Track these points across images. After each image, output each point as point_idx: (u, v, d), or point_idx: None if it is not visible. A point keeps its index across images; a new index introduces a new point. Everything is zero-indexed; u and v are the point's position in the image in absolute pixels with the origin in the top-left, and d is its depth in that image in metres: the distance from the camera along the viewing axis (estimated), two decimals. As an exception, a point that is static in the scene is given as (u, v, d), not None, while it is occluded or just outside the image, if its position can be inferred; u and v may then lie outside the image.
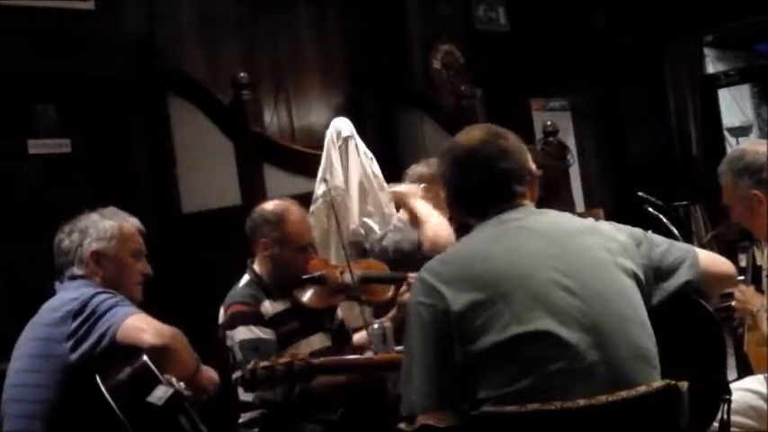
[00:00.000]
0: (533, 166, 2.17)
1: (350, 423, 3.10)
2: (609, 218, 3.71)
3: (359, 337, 3.48)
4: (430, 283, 1.95)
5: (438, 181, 3.86)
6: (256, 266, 3.38)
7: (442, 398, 1.89)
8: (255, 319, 3.22)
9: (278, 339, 3.25)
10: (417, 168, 4.10)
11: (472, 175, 2.10)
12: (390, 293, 3.58)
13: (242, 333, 3.18)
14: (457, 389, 1.88)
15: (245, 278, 3.39)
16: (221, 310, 3.31)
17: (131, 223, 2.81)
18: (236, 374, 3.07)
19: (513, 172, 2.10)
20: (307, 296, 3.37)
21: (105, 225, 2.74)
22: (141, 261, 2.81)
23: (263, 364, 2.25)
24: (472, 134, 2.15)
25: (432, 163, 4.00)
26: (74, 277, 2.69)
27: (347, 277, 3.43)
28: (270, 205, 3.42)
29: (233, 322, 3.22)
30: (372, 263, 3.79)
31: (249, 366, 2.26)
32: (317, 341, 3.38)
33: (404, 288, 3.49)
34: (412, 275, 3.58)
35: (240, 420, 3.31)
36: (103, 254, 2.71)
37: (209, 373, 2.75)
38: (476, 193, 2.10)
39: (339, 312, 3.54)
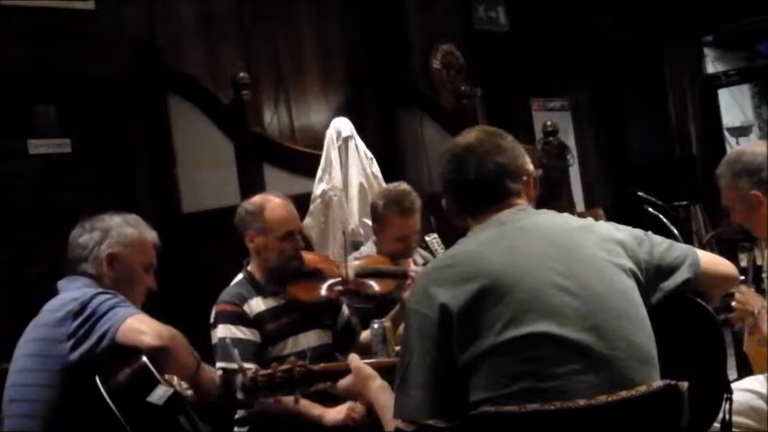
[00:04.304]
0: (531, 167, 2.17)
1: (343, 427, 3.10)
2: (609, 218, 3.72)
3: (365, 335, 3.47)
4: (427, 289, 1.94)
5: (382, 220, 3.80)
6: (250, 265, 3.41)
7: (436, 406, 1.88)
8: (236, 318, 3.24)
9: (269, 335, 3.27)
10: (377, 197, 3.93)
11: (467, 169, 2.10)
12: (389, 289, 3.57)
13: (221, 332, 3.22)
14: (452, 396, 1.88)
15: (239, 277, 3.42)
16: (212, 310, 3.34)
17: (150, 236, 2.81)
18: (217, 372, 3.09)
19: (506, 167, 2.10)
20: (301, 290, 3.38)
21: (127, 231, 2.74)
22: (149, 275, 2.81)
23: (263, 372, 2.25)
24: (470, 134, 2.18)
25: (383, 199, 3.81)
26: (81, 274, 2.69)
27: (344, 272, 3.44)
28: (251, 199, 3.46)
29: (215, 321, 3.28)
30: (375, 258, 3.78)
31: (250, 374, 2.26)
32: (315, 337, 3.38)
33: (407, 283, 3.49)
34: (412, 270, 3.58)
35: (236, 416, 3.33)
36: (118, 258, 2.71)
37: (210, 374, 2.75)
38: (470, 188, 2.11)
39: (345, 310, 3.53)
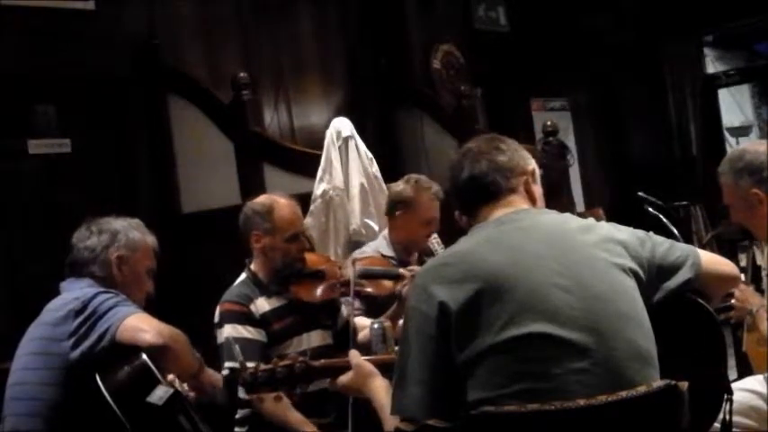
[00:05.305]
0: (532, 167, 2.18)
1: (344, 427, 3.10)
2: (609, 218, 3.71)
3: (364, 335, 3.47)
4: (426, 287, 1.94)
5: (412, 203, 3.85)
6: (253, 265, 3.41)
7: (434, 404, 1.88)
8: (243, 318, 3.24)
9: (274, 335, 3.27)
10: (398, 188, 3.95)
11: (462, 169, 2.13)
12: (390, 290, 3.58)
13: (227, 331, 3.22)
14: (450, 394, 1.88)
15: (242, 277, 3.42)
16: (216, 310, 3.33)
17: (151, 241, 2.85)
18: (224, 372, 3.09)
19: (500, 165, 2.12)
20: (304, 291, 3.38)
21: (135, 235, 2.78)
22: (150, 279, 2.84)
23: (264, 366, 2.25)
24: (471, 141, 2.21)
25: (411, 182, 3.89)
26: (87, 276, 2.69)
27: (347, 272, 3.44)
28: (258, 199, 3.46)
29: (221, 321, 3.27)
30: (376, 259, 3.80)
31: (250, 369, 2.25)
32: (318, 338, 3.39)
33: (405, 281, 3.50)
34: (411, 268, 3.59)
35: (237, 416, 3.33)
36: (127, 261, 2.75)
37: (212, 377, 2.76)
38: (464, 185, 2.13)
39: (343, 310, 3.54)
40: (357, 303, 3.56)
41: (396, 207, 3.89)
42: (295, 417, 3.13)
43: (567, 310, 1.89)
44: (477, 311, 1.88)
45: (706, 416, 2.15)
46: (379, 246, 3.95)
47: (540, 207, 2.17)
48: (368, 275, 3.59)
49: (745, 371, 3.25)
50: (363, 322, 3.50)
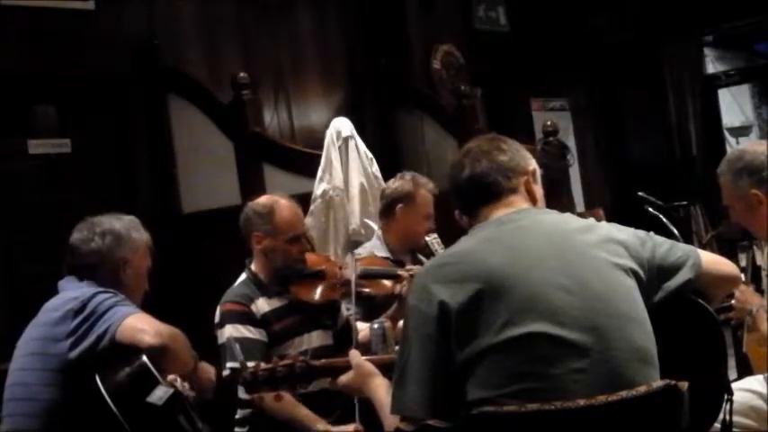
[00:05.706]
0: (533, 167, 2.18)
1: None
2: (609, 218, 3.71)
3: (364, 335, 3.47)
4: (426, 286, 1.95)
5: (413, 197, 3.87)
6: (253, 265, 3.41)
7: (434, 402, 1.89)
8: (244, 318, 3.24)
9: (274, 336, 3.27)
10: (395, 184, 3.95)
11: (462, 169, 2.14)
12: (391, 290, 3.58)
13: (228, 331, 3.21)
14: (450, 393, 1.88)
15: (242, 277, 3.42)
16: (217, 310, 3.33)
17: (148, 240, 2.85)
18: (225, 372, 3.09)
19: (501, 165, 2.12)
20: (305, 291, 3.38)
21: (136, 236, 2.78)
22: (146, 278, 2.84)
23: (264, 366, 2.25)
24: (472, 140, 2.21)
25: (408, 178, 3.92)
26: (88, 278, 2.69)
27: (347, 273, 3.44)
28: (260, 200, 3.46)
29: (222, 321, 3.27)
30: (375, 259, 3.80)
31: (250, 369, 2.26)
32: (318, 338, 3.40)
33: (403, 282, 3.50)
34: (409, 268, 3.60)
35: (236, 416, 3.33)
36: (131, 263, 2.75)
37: (207, 372, 2.76)
38: (464, 185, 2.14)
39: (343, 311, 3.54)
40: (355, 308, 3.56)
41: (395, 203, 3.89)
42: (305, 413, 3.12)
43: (567, 309, 1.89)
44: (477, 311, 1.88)
45: (706, 416, 2.15)
46: (374, 247, 3.95)
47: (541, 207, 2.17)
48: (367, 275, 3.59)
49: (745, 371, 3.25)
50: (361, 326, 3.51)
